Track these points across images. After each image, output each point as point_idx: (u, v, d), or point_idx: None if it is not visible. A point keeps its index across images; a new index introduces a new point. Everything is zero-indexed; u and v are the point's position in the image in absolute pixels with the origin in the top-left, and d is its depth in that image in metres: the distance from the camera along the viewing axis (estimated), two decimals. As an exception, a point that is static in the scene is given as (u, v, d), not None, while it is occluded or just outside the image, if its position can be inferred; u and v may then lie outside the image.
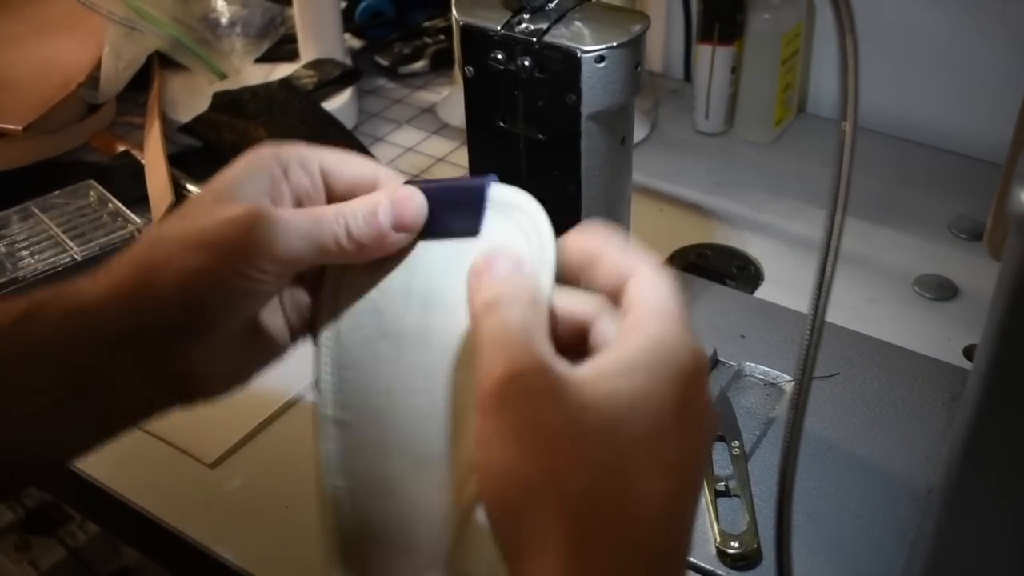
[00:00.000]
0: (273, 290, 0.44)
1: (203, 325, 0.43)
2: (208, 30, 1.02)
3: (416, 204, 0.44)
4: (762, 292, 0.79)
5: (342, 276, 0.46)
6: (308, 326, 0.48)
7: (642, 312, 0.38)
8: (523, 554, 0.36)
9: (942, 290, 0.78)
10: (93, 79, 0.96)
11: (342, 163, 0.47)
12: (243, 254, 0.41)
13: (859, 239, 0.83)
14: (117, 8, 0.97)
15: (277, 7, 1.08)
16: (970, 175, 0.91)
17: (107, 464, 0.65)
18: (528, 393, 0.36)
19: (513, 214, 0.43)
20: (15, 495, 0.47)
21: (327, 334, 0.45)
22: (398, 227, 0.44)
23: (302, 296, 0.48)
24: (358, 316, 0.45)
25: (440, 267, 0.44)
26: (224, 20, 1.04)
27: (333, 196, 0.47)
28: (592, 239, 0.42)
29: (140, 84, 1.00)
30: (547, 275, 0.41)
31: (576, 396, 0.36)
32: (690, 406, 0.37)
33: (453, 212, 0.44)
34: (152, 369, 0.43)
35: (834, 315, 0.74)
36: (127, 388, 0.43)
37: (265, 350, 0.47)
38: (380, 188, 0.46)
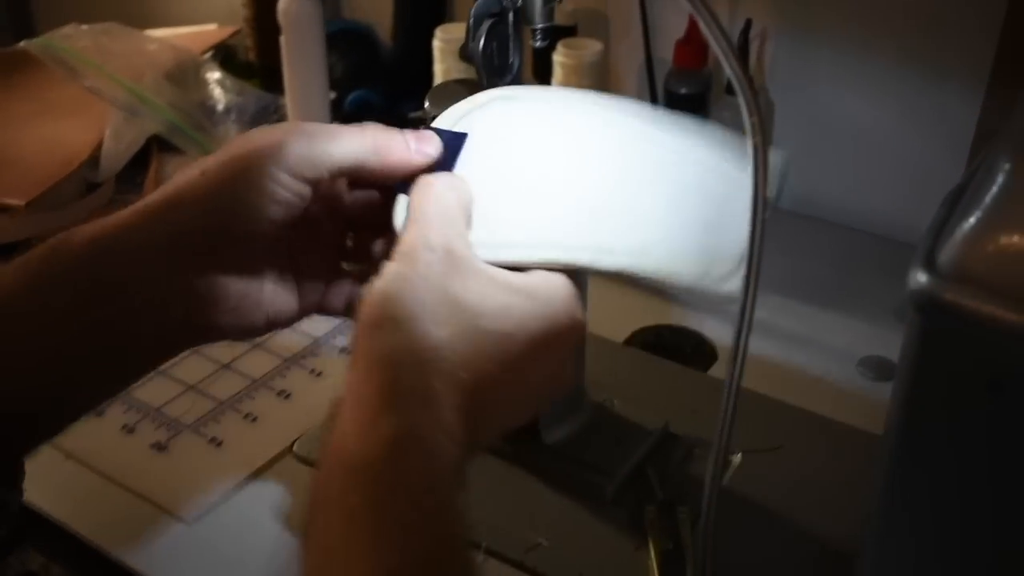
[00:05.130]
0: (298, 203, 0.48)
1: (233, 227, 0.47)
2: (204, 116, 1.08)
3: (435, 141, 0.53)
4: (716, 370, 0.84)
5: None
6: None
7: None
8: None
9: (884, 370, 0.83)
10: (94, 158, 1.00)
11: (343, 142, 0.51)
12: (273, 158, 0.47)
13: (807, 322, 0.88)
14: (120, 94, 1.03)
15: (271, 96, 1.14)
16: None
17: (90, 521, 0.68)
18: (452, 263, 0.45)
19: None
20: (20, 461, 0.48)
21: None
22: (422, 153, 0.52)
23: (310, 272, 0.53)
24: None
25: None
26: (220, 107, 1.10)
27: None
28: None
29: (138, 164, 1.05)
30: None
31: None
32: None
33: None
34: (175, 283, 0.46)
35: (781, 392, 0.79)
36: (147, 309, 0.46)
37: (275, 303, 0.51)
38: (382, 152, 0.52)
